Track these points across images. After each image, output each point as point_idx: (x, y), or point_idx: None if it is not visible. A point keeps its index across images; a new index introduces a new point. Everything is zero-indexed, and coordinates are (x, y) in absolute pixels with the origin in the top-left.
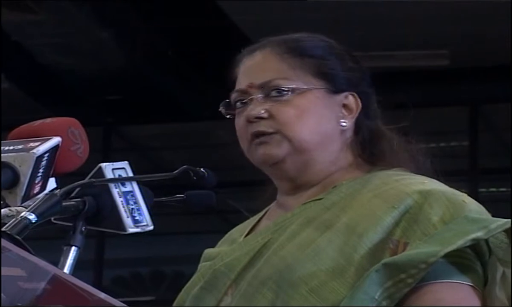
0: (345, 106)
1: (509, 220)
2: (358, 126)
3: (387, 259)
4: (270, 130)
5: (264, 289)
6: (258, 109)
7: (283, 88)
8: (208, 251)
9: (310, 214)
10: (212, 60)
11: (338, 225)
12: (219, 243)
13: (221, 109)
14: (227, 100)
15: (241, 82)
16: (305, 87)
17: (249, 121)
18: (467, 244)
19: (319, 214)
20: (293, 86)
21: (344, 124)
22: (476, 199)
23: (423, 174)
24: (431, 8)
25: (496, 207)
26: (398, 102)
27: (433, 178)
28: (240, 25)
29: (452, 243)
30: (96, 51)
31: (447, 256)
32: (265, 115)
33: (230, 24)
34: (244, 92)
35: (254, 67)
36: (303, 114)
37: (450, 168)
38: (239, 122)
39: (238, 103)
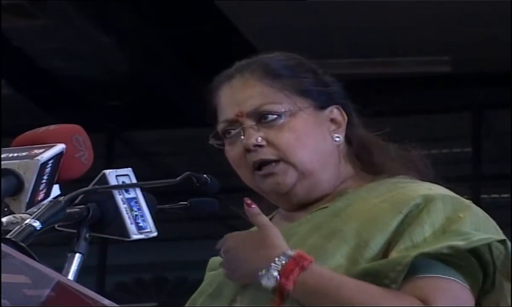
0: (332, 120)
1: (492, 237)
2: (348, 137)
3: (368, 265)
4: (273, 158)
5: (272, 294)
6: (255, 137)
7: (274, 113)
8: (213, 260)
9: (317, 221)
10: (214, 65)
11: (346, 231)
12: None
13: (211, 141)
14: (216, 131)
15: (228, 112)
16: (295, 108)
17: (248, 150)
18: (444, 250)
19: (325, 221)
20: (283, 109)
21: (337, 138)
22: (478, 206)
23: (427, 181)
24: (433, 14)
25: (498, 213)
26: (399, 108)
27: (437, 184)
28: (243, 31)
29: (428, 247)
30: (98, 56)
31: (446, 255)
32: (263, 142)
33: (233, 29)
34: (234, 122)
35: (237, 94)
36: (301, 136)
37: (453, 174)
38: (234, 152)
39: (228, 133)
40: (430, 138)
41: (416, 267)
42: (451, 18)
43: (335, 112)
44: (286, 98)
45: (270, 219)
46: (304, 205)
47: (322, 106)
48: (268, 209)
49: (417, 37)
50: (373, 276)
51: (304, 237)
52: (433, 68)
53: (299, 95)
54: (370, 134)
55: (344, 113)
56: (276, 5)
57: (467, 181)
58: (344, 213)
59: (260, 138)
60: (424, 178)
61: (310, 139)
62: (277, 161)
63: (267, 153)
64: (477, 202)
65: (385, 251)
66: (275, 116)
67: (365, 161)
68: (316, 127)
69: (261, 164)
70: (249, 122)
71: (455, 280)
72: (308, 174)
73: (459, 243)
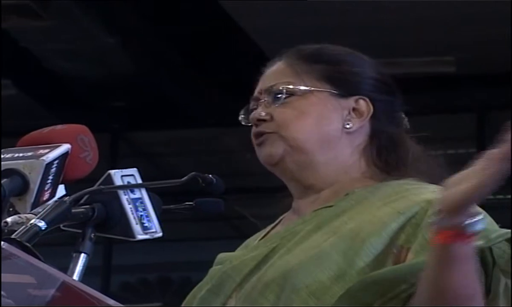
0: (355, 110)
1: (509, 231)
2: (373, 132)
3: (383, 271)
4: (270, 131)
5: (267, 292)
6: (261, 111)
7: (283, 92)
8: (220, 256)
9: (320, 220)
10: (219, 66)
11: (344, 230)
12: (238, 249)
13: (241, 118)
14: (247, 108)
15: (256, 90)
16: (305, 89)
17: (254, 123)
18: None
19: (328, 221)
20: (291, 87)
21: (348, 126)
22: (483, 206)
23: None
24: (437, 14)
25: (502, 213)
26: (404, 109)
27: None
28: (248, 32)
29: None
30: (103, 57)
31: None
32: (267, 117)
33: (237, 30)
34: (256, 99)
35: (267, 76)
36: (301, 115)
37: None
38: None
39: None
40: (435, 139)
41: None
42: (455, 18)
43: (360, 103)
44: (302, 81)
45: (283, 217)
46: (307, 189)
47: (345, 94)
48: (283, 210)
49: (421, 37)
50: (389, 281)
51: (306, 236)
52: (437, 69)
53: (319, 80)
54: (402, 134)
55: (370, 105)
56: (277, 4)
57: None
58: (346, 214)
59: (264, 113)
60: (435, 182)
61: (310, 119)
62: (270, 133)
63: (267, 127)
64: (482, 202)
65: (385, 251)
66: (284, 95)
67: (383, 158)
68: (326, 111)
69: (258, 135)
70: (264, 99)
71: None
72: (300, 150)
73: (479, 242)
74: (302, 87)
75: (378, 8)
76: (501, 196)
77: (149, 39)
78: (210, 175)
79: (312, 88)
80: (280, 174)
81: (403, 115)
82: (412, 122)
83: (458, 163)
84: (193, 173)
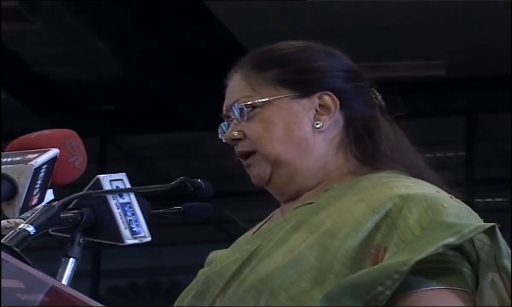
0: (321, 106)
1: (482, 224)
2: (348, 122)
3: (358, 275)
4: (248, 150)
5: (247, 297)
6: (231, 132)
7: (247, 106)
8: (210, 256)
9: (299, 218)
10: (209, 70)
11: (321, 230)
12: (230, 247)
13: (220, 136)
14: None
15: (223, 108)
16: (264, 100)
17: (231, 144)
18: (439, 250)
19: (306, 219)
20: (250, 102)
21: (318, 125)
22: (479, 208)
23: (418, 175)
24: (427, 18)
25: (492, 217)
26: (393, 112)
27: (431, 180)
28: (237, 35)
29: (424, 251)
30: (93, 60)
31: (425, 262)
32: (240, 136)
33: (227, 34)
34: (226, 117)
35: (228, 90)
36: (269, 126)
37: (446, 178)
38: None
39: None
40: (424, 142)
41: (408, 281)
42: (445, 21)
43: (325, 98)
44: (260, 91)
45: (272, 215)
46: (293, 196)
47: (305, 94)
48: (273, 210)
49: (411, 41)
50: (365, 284)
51: (285, 237)
52: (427, 72)
53: (276, 87)
54: (376, 116)
55: (335, 98)
56: (269, 9)
57: (461, 185)
58: (324, 210)
59: (236, 132)
60: (417, 173)
61: (279, 129)
62: (253, 153)
63: (244, 146)
64: (471, 206)
65: (362, 251)
66: (249, 109)
67: (361, 149)
68: (291, 117)
69: (242, 156)
70: (233, 117)
71: (450, 288)
72: (282, 164)
73: (451, 239)
74: (260, 100)
75: (367, 12)
76: (490, 200)
77: (138, 43)
78: (199, 180)
79: (271, 98)
80: (271, 191)
81: (375, 93)
82: (402, 125)
83: (447, 166)
84: (181, 177)
